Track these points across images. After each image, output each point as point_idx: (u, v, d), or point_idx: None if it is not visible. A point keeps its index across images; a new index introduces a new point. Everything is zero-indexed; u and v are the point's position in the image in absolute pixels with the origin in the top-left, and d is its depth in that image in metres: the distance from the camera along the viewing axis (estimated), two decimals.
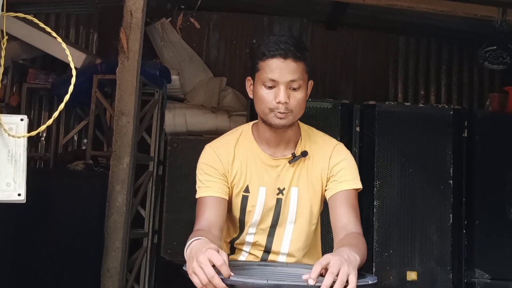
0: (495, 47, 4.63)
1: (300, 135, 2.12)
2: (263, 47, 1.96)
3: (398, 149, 4.06)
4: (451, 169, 4.02)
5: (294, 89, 1.95)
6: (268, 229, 2.13)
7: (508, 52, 4.62)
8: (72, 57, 1.67)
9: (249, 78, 2.06)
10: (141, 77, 4.16)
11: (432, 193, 4.02)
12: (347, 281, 1.51)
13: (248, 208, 2.12)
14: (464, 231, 4.08)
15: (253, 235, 2.15)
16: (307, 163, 2.10)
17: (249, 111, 4.18)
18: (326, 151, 2.10)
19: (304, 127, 2.16)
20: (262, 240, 2.14)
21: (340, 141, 3.88)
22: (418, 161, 4.04)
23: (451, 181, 4.02)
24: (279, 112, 1.95)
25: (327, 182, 2.08)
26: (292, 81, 1.94)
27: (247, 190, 2.11)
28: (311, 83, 2.05)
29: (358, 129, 4.16)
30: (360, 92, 5.58)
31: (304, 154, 2.09)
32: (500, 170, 4.04)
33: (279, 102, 1.94)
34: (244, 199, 2.12)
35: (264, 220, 2.12)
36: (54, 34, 1.71)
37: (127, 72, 3.97)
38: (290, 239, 2.13)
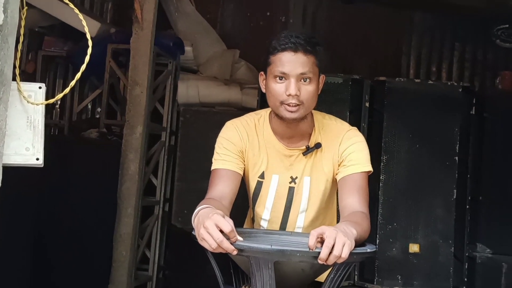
0: (508, 25, 4.65)
1: (314, 126, 2.16)
2: (274, 42, 2.01)
3: (406, 125, 4.09)
4: (457, 145, 4.06)
5: (305, 82, 1.99)
6: (281, 217, 2.20)
7: None
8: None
9: (262, 73, 2.11)
10: (155, 47, 4.20)
11: (438, 168, 4.06)
12: None
13: (261, 193, 2.20)
14: (467, 207, 4.13)
15: (267, 221, 2.22)
16: (319, 153, 2.15)
17: None
18: (337, 138, 2.14)
19: (318, 116, 2.19)
20: (276, 227, 2.22)
21: (349, 116, 4.04)
22: (426, 137, 4.08)
23: (456, 158, 4.05)
24: (290, 105, 1.99)
25: (338, 167, 2.13)
26: (303, 74, 1.98)
27: (262, 176, 2.18)
28: (322, 77, 2.08)
29: (367, 104, 4.20)
30: (372, 67, 5.58)
31: (318, 146, 2.13)
32: (507, 148, 4.07)
33: (289, 95, 1.97)
34: (259, 185, 2.19)
35: (276, 207, 2.19)
36: (67, 1, 1.76)
37: (141, 42, 4.03)
38: (302, 226, 2.21)
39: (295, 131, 2.13)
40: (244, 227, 2.34)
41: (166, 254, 5.06)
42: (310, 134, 2.15)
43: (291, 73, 1.98)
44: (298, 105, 2.00)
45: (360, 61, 5.62)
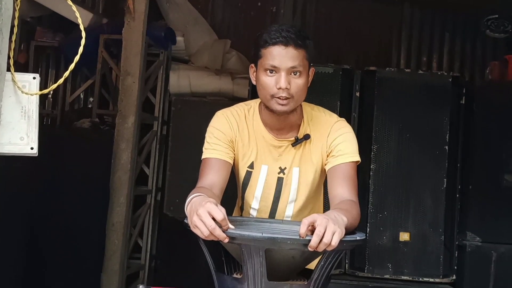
0: (497, 16, 4.68)
1: (303, 118, 2.18)
2: (265, 35, 2.02)
3: (396, 115, 4.12)
4: (447, 135, 4.09)
5: (295, 75, 2.01)
6: (270, 206, 2.24)
7: (510, 21, 4.67)
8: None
9: (252, 65, 2.13)
10: (146, 38, 4.22)
11: (428, 158, 4.08)
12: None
13: (250, 183, 2.22)
14: (457, 196, 4.17)
15: (256, 210, 2.26)
16: (308, 144, 2.18)
17: None
18: (325, 129, 2.17)
19: (307, 108, 2.21)
20: (264, 216, 2.24)
21: (340, 106, 4.07)
22: (416, 126, 4.10)
23: (446, 147, 4.08)
24: (280, 98, 2.01)
25: (327, 158, 2.16)
26: (293, 67, 2.00)
27: (251, 166, 2.20)
28: (312, 70, 2.11)
29: (358, 94, 4.22)
30: (363, 58, 5.60)
31: (307, 137, 2.16)
32: (496, 137, 4.10)
33: (280, 88, 2.00)
34: (248, 175, 2.22)
35: (266, 197, 2.22)
36: None
37: (133, 33, 4.05)
38: (291, 215, 2.24)
39: (284, 123, 2.15)
40: (232, 215, 2.37)
41: (158, 243, 5.09)
42: (299, 126, 2.18)
43: (282, 67, 2.00)
44: (288, 98, 2.02)
45: (351, 52, 5.64)
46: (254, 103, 2.24)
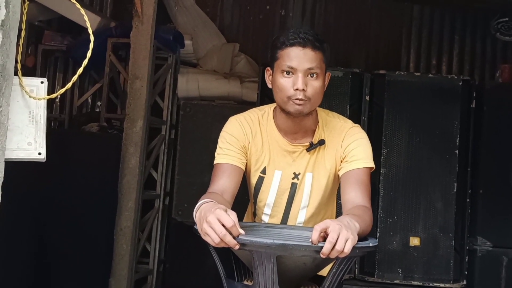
0: (507, 19, 4.65)
1: (318, 123, 2.17)
2: (283, 37, 2.03)
3: (406, 118, 4.11)
4: (458, 139, 4.08)
5: (312, 77, 2.01)
6: (283, 212, 2.22)
7: None
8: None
9: (268, 68, 2.12)
10: (155, 41, 4.21)
11: (438, 162, 4.08)
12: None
13: (262, 189, 2.21)
14: (468, 200, 4.15)
15: (268, 216, 2.24)
16: (322, 149, 2.17)
17: (261, 78, 4.24)
18: (340, 135, 2.16)
19: (322, 114, 2.20)
20: (277, 222, 2.23)
21: (350, 109, 4.06)
22: (426, 130, 4.10)
23: (457, 151, 4.07)
24: (297, 99, 2.00)
25: (340, 163, 2.14)
26: (310, 69, 2.00)
27: (264, 171, 2.19)
28: (328, 74, 2.11)
29: (367, 98, 4.21)
30: (372, 60, 5.58)
31: (321, 142, 2.15)
32: (507, 141, 4.08)
33: (297, 89, 1.99)
34: (260, 180, 2.20)
35: (278, 202, 2.21)
36: None
37: (141, 36, 4.04)
38: (303, 221, 2.22)
39: (299, 127, 2.14)
40: (244, 221, 2.35)
41: (166, 247, 5.07)
42: (314, 131, 2.17)
43: (299, 68, 1.99)
44: (304, 100, 2.01)
45: (360, 54, 5.62)
46: (268, 108, 2.22)
